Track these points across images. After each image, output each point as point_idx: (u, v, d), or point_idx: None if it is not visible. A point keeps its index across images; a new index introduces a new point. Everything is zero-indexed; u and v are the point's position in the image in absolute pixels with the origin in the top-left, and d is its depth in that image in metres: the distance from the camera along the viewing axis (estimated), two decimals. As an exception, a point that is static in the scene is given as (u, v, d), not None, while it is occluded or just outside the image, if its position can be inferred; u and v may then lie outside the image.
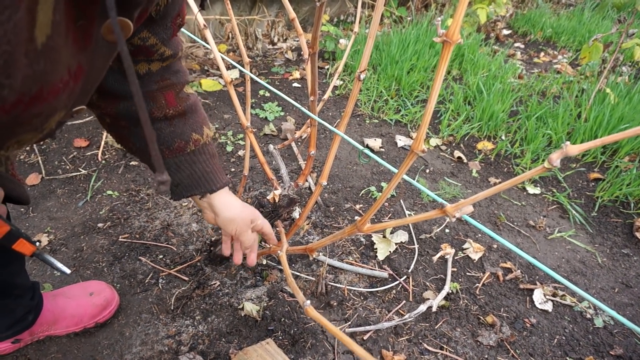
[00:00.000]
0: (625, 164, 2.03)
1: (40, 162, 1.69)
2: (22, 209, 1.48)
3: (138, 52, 0.65)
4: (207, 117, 0.81)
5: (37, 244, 0.73)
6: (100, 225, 1.44)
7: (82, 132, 1.90)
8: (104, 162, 1.74)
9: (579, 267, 1.53)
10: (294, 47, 3.03)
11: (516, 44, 3.82)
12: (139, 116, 0.68)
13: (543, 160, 2.06)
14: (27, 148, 1.75)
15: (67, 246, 1.36)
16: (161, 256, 1.36)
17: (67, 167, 1.69)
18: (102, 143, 1.82)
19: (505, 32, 4.04)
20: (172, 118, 0.73)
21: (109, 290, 1.15)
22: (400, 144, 2.10)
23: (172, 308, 1.21)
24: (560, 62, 3.45)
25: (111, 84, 0.66)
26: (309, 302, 0.72)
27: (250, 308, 1.20)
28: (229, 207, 0.82)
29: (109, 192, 1.58)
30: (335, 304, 1.27)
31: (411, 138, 2.17)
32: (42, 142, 1.80)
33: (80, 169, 1.69)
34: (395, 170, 0.64)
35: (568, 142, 0.42)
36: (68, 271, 0.80)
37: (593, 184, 1.98)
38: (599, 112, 2.25)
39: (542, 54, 3.65)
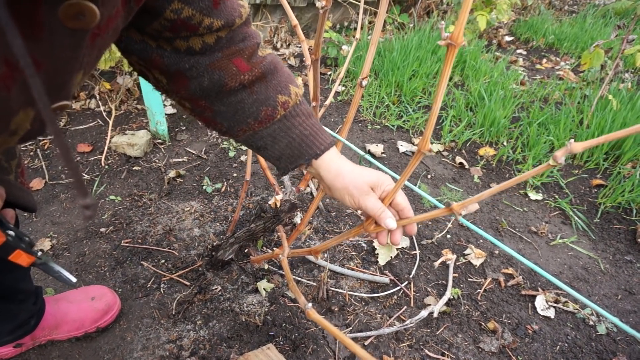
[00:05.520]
0: (627, 170, 2.03)
1: (43, 167, 1.70)
2: (25, 214, 1.49)
3: (176, 27, 0.57)
4: (292, 75, 0.71)
5: (39, 253, 0.71)
6: (102, 230, 1.45)
7: (85, 137, 1.91)
8: (107, 167, 1.75)
9: (581, 273, 1.53)
10: (296, 53, 3.05)
11: (518, 51, 3.83)
12: (216, 90, 0.64)
13: (545, 167, 2.05)
14: (31, 153, 1.76)
15: (70, 251, 1.37)
16: (163, 261, 1.36)
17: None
18: (106, 148, 1.83)
19: (508, 38, 4.05)
20: (251, 84, 0.65)
21: (110, 295, 1.16)
22: (402, 149, 2.11)
23: (173, 313, 1.21)
24: (563, 68, 3.45)
25: (170, 64, 0.61)
26: (310, 304, 0.72)
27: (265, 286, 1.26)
28: (338, 173, 0.67)
29: (112, 197, 1.59)
30: (336, 309, 1.27)
31: (413, 144, 2.17)
32: (45, 147, 1.81)
33: (84, 174, 1.70)
34: (397, 176, 0.65)
35: (572, 140, 0.43)
36: (74, 280, 0.79)
37: (595, 190, 1.98)
38: (601, 118, 2.25)
39: (544, 60, 3.65)
